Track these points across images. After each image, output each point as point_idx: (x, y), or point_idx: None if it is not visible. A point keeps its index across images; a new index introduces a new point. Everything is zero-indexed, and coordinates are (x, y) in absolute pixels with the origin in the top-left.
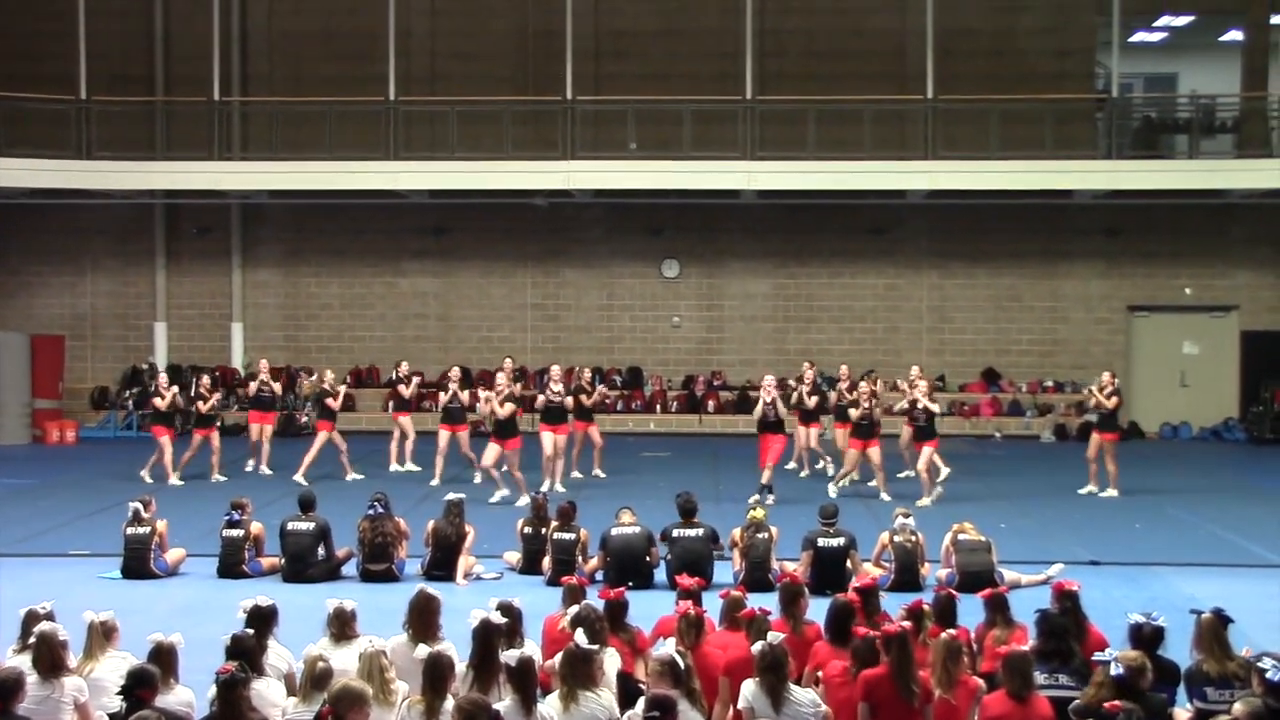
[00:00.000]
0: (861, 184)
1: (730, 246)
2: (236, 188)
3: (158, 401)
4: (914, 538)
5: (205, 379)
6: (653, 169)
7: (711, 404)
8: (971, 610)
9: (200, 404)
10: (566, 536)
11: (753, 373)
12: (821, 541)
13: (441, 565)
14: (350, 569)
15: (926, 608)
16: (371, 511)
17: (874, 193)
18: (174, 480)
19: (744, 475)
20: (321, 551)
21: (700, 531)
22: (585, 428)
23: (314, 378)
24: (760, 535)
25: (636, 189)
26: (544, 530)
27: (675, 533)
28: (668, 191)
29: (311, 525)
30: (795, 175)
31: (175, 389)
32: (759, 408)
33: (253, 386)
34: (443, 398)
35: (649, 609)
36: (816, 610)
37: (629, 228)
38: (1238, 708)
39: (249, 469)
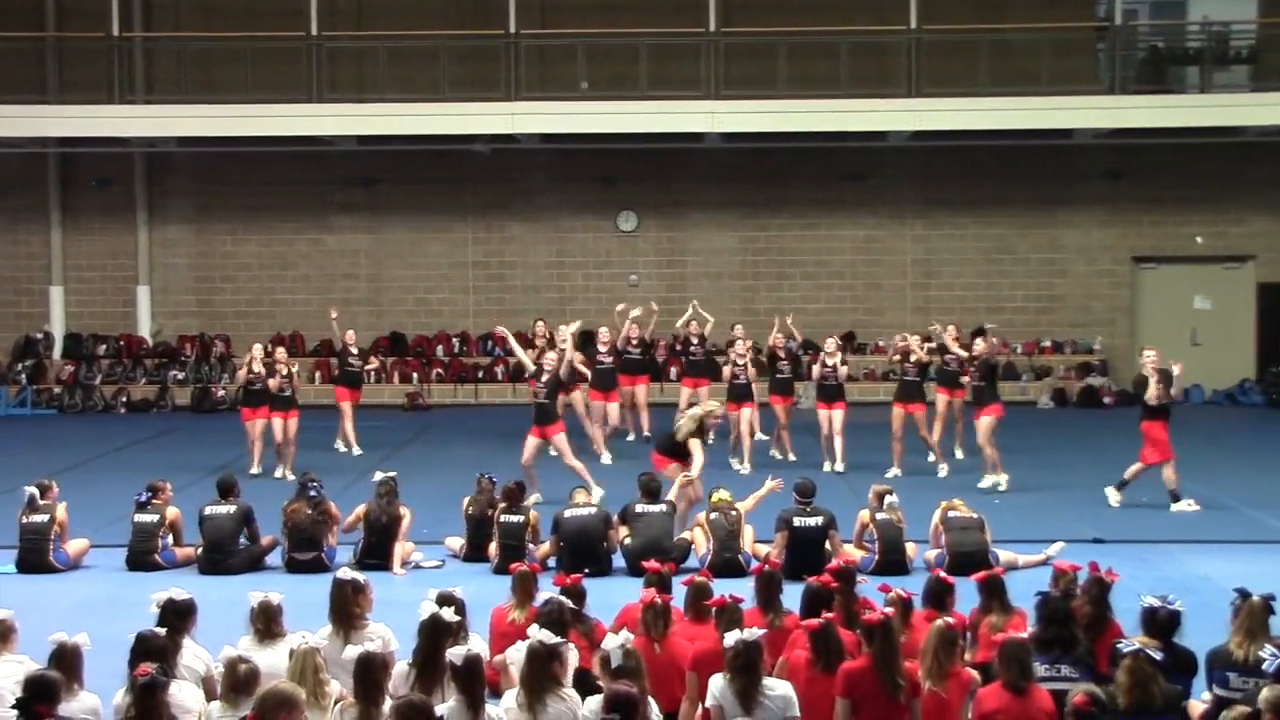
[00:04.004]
0: (838, 125)
1: (693, 196)
2: (140, 134)
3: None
4: (897, 515)
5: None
6: (606, 110)
7: (674, 370)
8: (964, 594)
9: (272, 380)
10: (514, 519)
11: (718, 336)
12: (798, 521)
13: (375, 553)
14: (275, 559)
15: (902, 593)
16: (311, 495)
17: (852, 135)
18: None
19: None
20: (244, 539)
21: (664, 507)
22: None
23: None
24: (729, 514)
25: (588, 133)
26: (490, 513)
27: (639, 509)
28: (623, 135)
29: (232, 509)
30: (764, 116)
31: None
32: (727, 369)
33: (243, 375)
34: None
35: (607, 598)
36: (791, 596)
37: (580, 176)
38: (1266, 694)
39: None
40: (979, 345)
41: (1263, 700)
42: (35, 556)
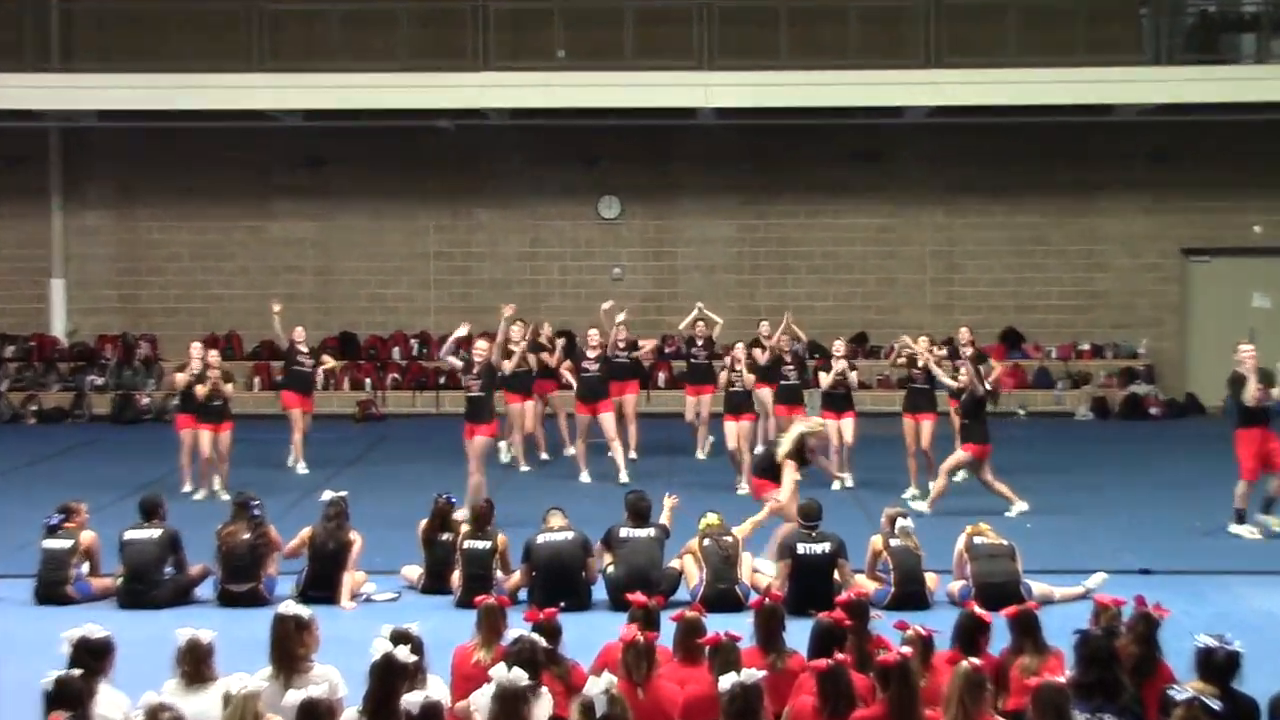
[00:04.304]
0: (847, 99)
1: (684, 179)
2: (55, 107)
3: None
4: (914, 541)
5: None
6: (586, 83)
7: (662, 376)
8: (992, 632)
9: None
10: (480, 545)
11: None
12: (802, 547)
13: (322, 583)
14: (207, 590)
15: (921, 630)
16: (254, 515)
17: (863, 110)
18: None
19: (708, 470)
20: (170, 568)
21: (653, 532)
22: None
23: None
24: (724, 539)
25: (566, 108)
26: (452, 538)
27: (624, 533)
28: (605, 111)
29: (157, 533)
30: (764, 89)
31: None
32: (723, 376)
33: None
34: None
35: (586, 635)
36: (796, 634)
37: (557, 157)
38: None
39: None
40: (962, 376)
41: None
42: (51, 586)
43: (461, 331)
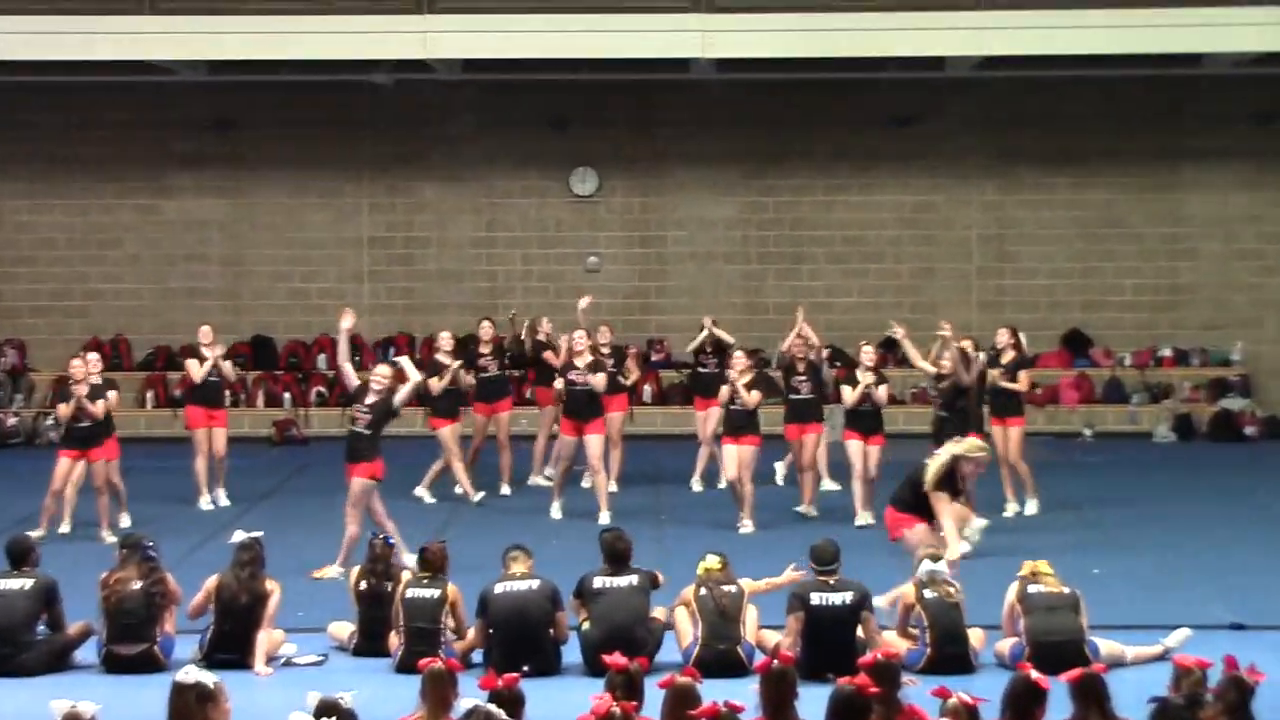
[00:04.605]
0: (877, 49)
1: (675, 148)
2: None
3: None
4: (953, 589)
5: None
6: (555, 28)
7: (649, 389)
8: (1051, 699)
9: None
10: (427, 594)
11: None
12: (816, 598)
13: (231, 644)
14: (89, 652)
15: (967, 698)
16: (149, 557)
17: (896, 62)
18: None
19: (701, 504)
20: (44, 626)
21: (635, 580)
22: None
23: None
24: (724, 589)
25: (530, 58)
26: (391, 588)
27: (598, 583)
28: (578, 62)
29: (27, 584)
30: (775, 36)
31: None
32: (724, 390)
33: (196, 366)
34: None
35: (554, 706)
36: (810, 703)
37: (520, 120)
38: None
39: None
40: (945, 361)
41: None
42: None
43: (346, 322)
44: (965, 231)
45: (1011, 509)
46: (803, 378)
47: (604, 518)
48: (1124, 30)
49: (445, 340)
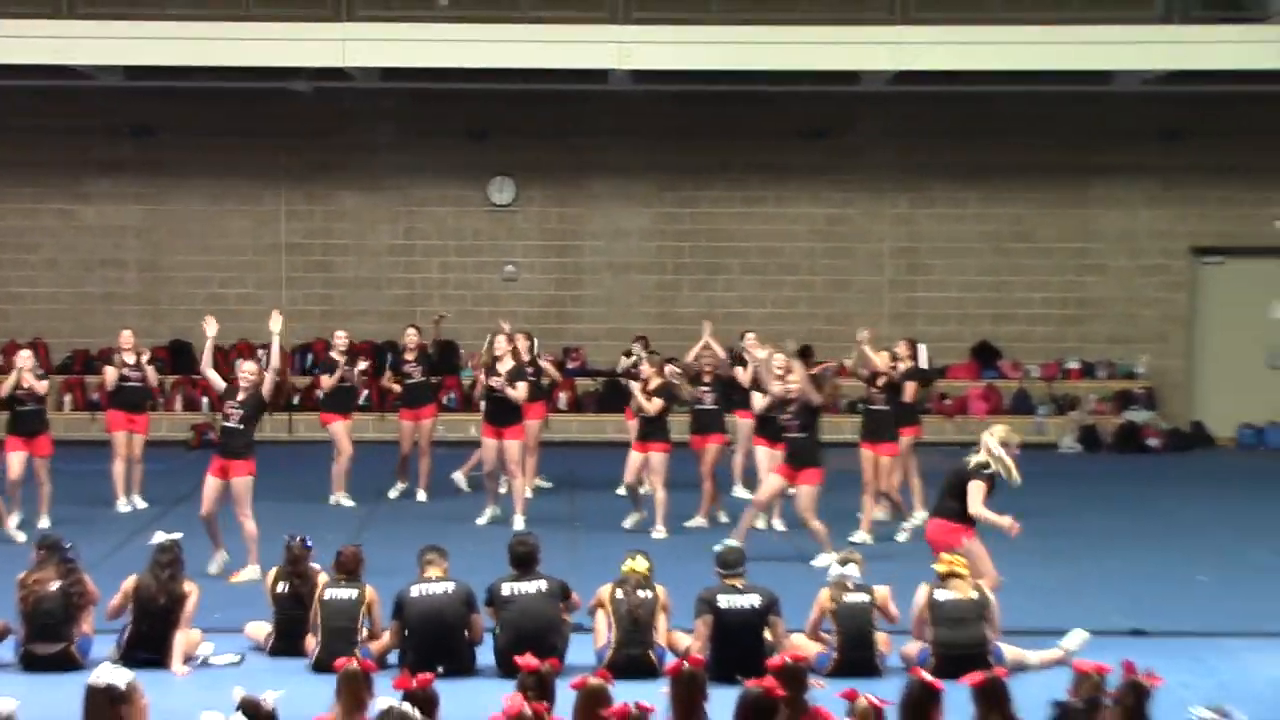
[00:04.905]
0: (794, 62)
1: (593, 158)
2: None
3: None
4: (865, 597)
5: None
6: (473, 37)
7: (564, 397)
8: (955, 703)
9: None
10: (344, 596)
11: (625, 348)
12: (724, 601)
13: (148, 643)
14: (6, 651)
15: (874, 701)
16: (67, 559)
17: (812, 76)
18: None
19: (616, 511)
20: None
21: (544, 585)
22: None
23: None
24: (640, 594)
25: (448, 68)
26: (308, 589)
27: (507, 589)
28: (497, 72)
29: None
30: (691, 48)
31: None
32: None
33: (111, 373)
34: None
35: (469, 707)
36: (719, 705)
37: (438, 129)
38: None
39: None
40: (791, 379)
41: None
42: None
43: (275, 325)
44: (878, 244)
45: (914, 519)
46: (707, 388)
47: (518, 522)
48: (1035, 47)
49: (340, 339)
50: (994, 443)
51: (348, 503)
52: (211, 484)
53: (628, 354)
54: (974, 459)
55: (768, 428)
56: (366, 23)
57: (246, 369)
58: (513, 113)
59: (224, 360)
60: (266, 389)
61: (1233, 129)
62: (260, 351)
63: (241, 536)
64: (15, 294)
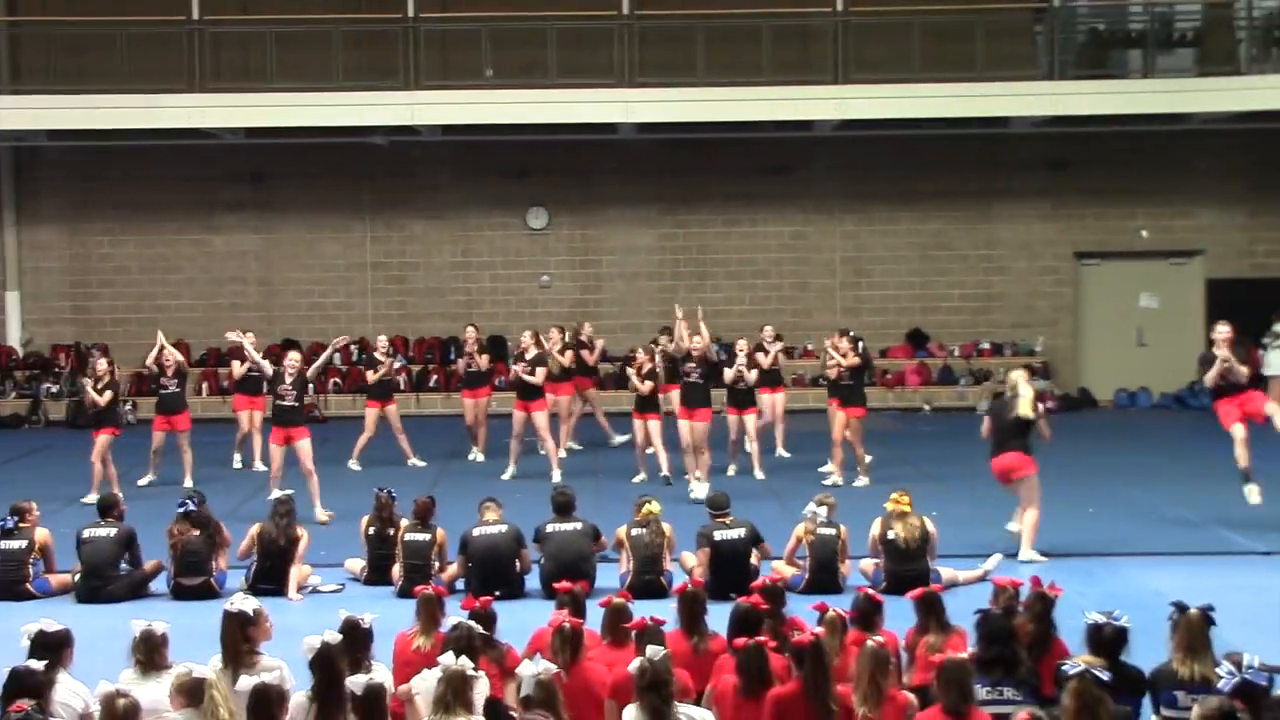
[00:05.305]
0: (760, 114)
1: (607, 191)
2: (7, 127)
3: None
4: (833, 531)
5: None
6: (513, 100)
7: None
8: (901, 613)
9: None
10: (420, 538)
11: (636, 339)
12: (718, 535)
13: (270, 576)
14: (160, 584)
15: (841, 612)
16: (182, 510)
17: (775, 124)
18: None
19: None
20: (125, 564)
21: (579, 526)
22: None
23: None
24: (651, 536)
25: (494, 124)
26: (393, 532)
27: (550, 529)
28: (532, 126)
29: (113, 531)
30: (681, 105)
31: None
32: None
33: (238, 367)
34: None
35: (520, 622)
36: (717, 617)
37: (487, 171)
38: (1195, 711)
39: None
40: (698, 341)
41: (1193, 715)
42: (10, 584)
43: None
44: (830, 254)
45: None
46: (693, 365)
47: (555, 476)
48: (950, 99)
49: (383, 342)
50: (1023, 382)
51: (356, 467)
52: (277, 451)
53: (654, 342)
54: (1025, 404)
55: (735, 399)
56: (430, 90)
57: (292, 358)
58: (544, 157)
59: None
60: (311, 373)
61: (1104, 160)
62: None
63: (308, 488)
64: (162, 305)
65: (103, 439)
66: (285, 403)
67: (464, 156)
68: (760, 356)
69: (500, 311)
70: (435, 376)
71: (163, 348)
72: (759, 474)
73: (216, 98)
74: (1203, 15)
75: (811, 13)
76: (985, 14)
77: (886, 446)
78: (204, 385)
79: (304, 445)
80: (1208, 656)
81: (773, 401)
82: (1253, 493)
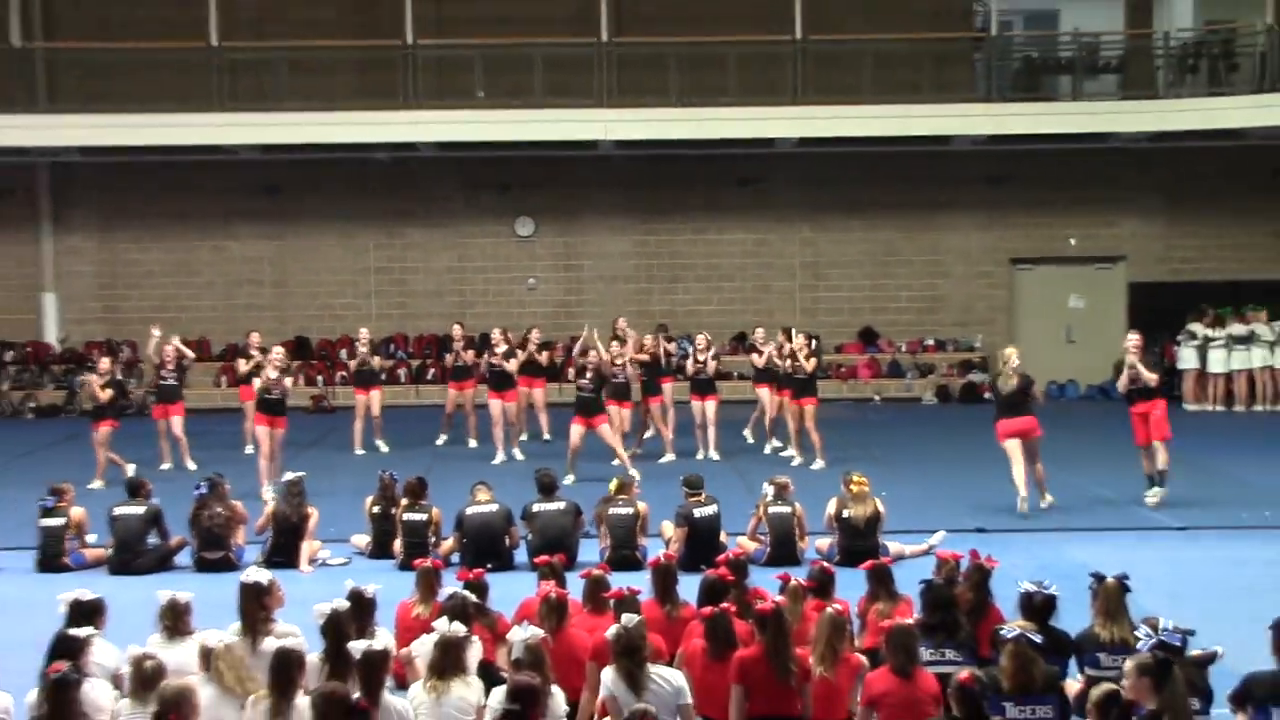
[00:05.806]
0: (726, 132)
1: (588, 202)
2: (43, 144)
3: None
4: (788, 509)
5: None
6: (503, 119)
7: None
8: (854, 583)
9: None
10: (417, 517)
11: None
12: (696, 512)
13: (283, 551)
14: (185, 558)
15: (802, 582)
16: (199, 492)
17: (740, 142)
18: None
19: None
20: (153, 539)
21: (563, 505)
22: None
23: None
24: (621, 508)
25: (486, 141)
26: (393, 510)
27: (536, 508)
28: (519, 143)
29: (142, 509)
30: (655, 124)
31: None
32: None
33: (243, 367)
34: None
35: (509, 592)
36: (688, 587)
37: (479, 183)
38: (1128, 665)
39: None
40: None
41: (1127, 668)
42: (50, 558)
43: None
44: (790, 260)
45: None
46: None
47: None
48: (897, 119)
49: (364, 335)
50: (1015, 358)
51: (359, 452)
52: (264, 434)
53: (661, 328)
54: (1016, 378)
55: (698, 385)
56: (428, 110)
57: (277, 353)
58: (531, 171)
59: (332, 350)
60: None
61: (1037, 175)
62: (277, 348)
63: (263, 468)
64: (185, 305)
65: (103, 430)
66: (274, 395)
67: (459, 170)
68: (755, 357)
69: (492, 311)
70: (433, 370)
71: (161, 342)
72: (714, 454)
73: (235, 117)
74: (1125, 45)
75: (774, 40)
76: (930, 42)
77: (840, 433)
78: (222, 379)
79: (279, 434)
80: (1125, 621)
81: (702, 408)
82: (1153, 496)
